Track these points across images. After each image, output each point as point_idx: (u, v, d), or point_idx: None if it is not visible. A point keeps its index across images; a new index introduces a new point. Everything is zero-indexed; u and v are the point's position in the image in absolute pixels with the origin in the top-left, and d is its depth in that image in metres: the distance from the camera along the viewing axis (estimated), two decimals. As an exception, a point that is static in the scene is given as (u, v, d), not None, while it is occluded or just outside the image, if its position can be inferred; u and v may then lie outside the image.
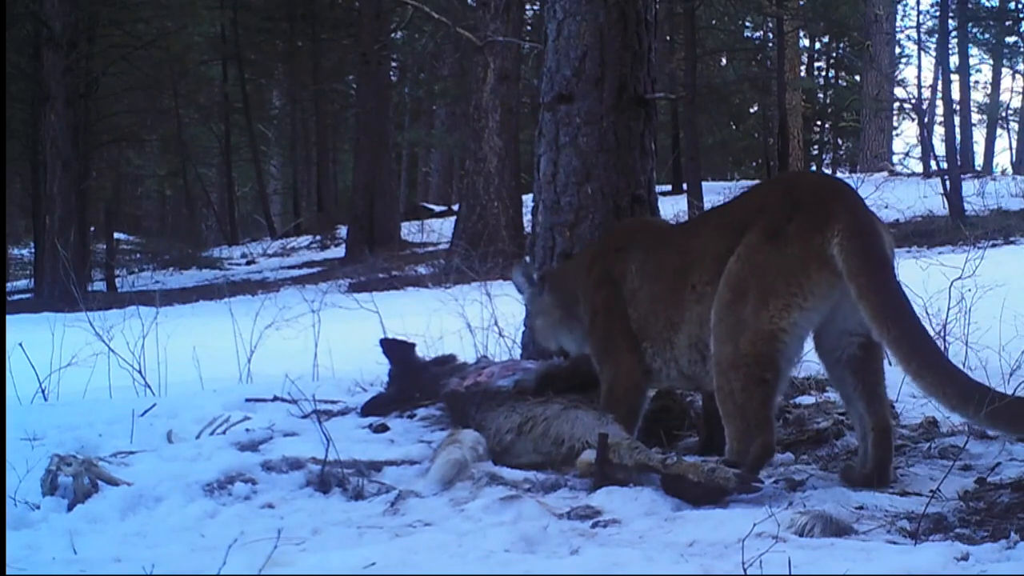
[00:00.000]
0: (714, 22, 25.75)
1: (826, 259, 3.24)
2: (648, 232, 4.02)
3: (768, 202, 3.48)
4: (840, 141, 34.46)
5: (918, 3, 38.75)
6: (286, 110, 29.18)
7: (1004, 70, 33.66)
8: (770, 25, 26.24)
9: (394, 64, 26.04)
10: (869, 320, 3.15)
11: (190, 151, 26.50)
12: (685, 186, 19.16)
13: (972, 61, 28.59)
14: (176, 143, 24.92)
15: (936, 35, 20.95)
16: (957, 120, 18.69)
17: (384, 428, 4.23)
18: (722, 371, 3.40)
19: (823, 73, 33.57)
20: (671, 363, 3.74)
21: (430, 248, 18.47)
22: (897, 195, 15.57)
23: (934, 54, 23.45)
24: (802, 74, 29.04)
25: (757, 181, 22.61)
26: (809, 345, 3.58)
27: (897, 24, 26.52)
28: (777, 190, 3.64)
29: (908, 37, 28.92)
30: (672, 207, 15.62)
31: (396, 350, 4.70)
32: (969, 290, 4.94)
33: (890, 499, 3.16)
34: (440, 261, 14.62)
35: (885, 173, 21.47)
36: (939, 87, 21.91)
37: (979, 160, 28.68)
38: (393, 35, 22.17)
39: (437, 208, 24.74)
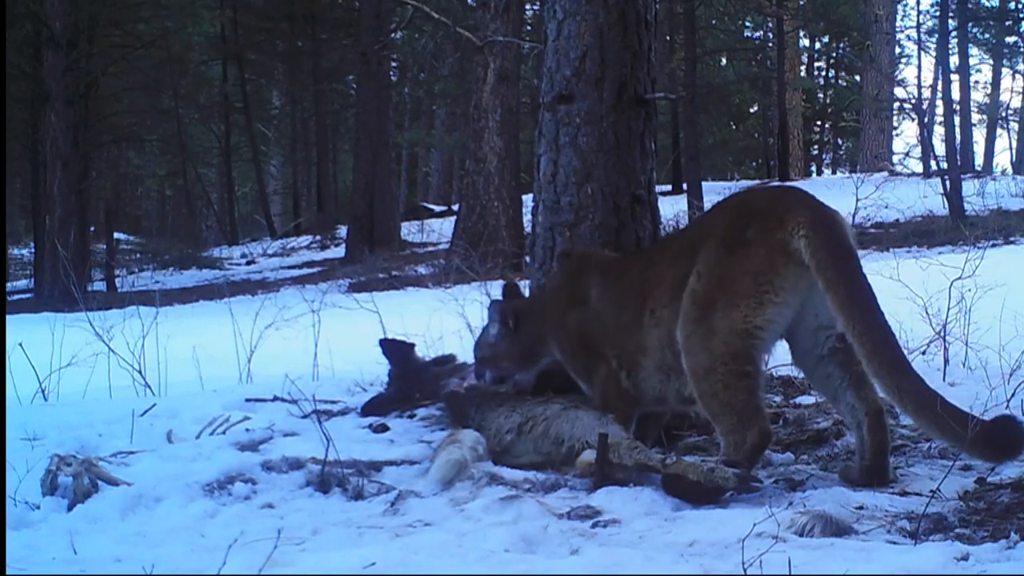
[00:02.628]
0: (714, 22, 25.74)
1: (791, 253, 3.27)
2: (602, 259, 4.05)
3: (720, 220, 3.56)
4: (840, 141, 34.49)
5: (918, 3, 38.78)
6: (286, 110, 29.19)
7: (1004, 70, 33.67)
8: (770, 25, 26.24)
9: (394, 64, 26.05)
10: (836, 312, 3.19)
11: (190, 151, 26.50)
12: (685, 186, 19.15)
13: (972, 61, 28.61)
14: (176, 143, 24.93)
15: (936, 35, 20.93)
16: (957, 120, 18.69)
17: (384, 428, 4.23)
18: (700, 377, 3.41)
19: (823, 73, 33.59)
20: (643, 383, 3.77)
21: (430, 248, 18.47)
22: (897, 195, 15.56)
23: (934, 54, 23.43)
24: (802, 74, 29.06)
25: (757, 181, 22.69)
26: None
27: (897, 24, 26.53)
28: (727, 208, 3.69)
29: (908, 37, 28.93)
30: (672, 207, 15.59)
31: (396, 350, 4.70)
32: (969, 290, 4.94)
33: (890, 499, 3.16)
34: (440, 261, 14.62)
35: (885, 173, 21.48)
36: (939, 87, 21.90)
37: (979, 160, 28.69)
38: (393, 35, 22.17)
39: (437, 208, 24.75)
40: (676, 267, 3.57)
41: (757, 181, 23.08)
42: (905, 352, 3.32)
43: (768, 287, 3.31)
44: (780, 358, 3.93)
